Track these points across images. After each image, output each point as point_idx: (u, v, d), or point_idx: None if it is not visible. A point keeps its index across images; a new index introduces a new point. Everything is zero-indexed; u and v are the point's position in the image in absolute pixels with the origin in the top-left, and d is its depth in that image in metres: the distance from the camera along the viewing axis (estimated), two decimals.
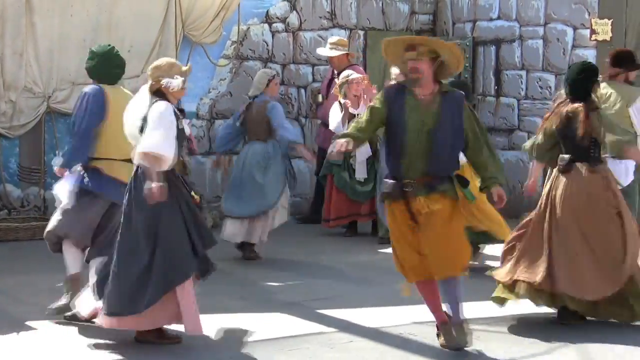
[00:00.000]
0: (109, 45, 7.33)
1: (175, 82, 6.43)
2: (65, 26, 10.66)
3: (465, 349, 6.54)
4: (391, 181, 6.46)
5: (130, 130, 6.47)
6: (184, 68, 6.56)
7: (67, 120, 10.65)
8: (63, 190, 7.10)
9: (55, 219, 7.15)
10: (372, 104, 6.67)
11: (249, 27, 12.16)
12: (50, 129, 10.86)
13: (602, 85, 8.21)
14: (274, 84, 9.70)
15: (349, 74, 10.67)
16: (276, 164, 9.45)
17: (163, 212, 6.27)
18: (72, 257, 7.13)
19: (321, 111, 11.63)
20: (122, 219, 6.38)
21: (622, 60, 8.54)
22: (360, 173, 10.66)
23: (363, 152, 10.49)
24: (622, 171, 7.93)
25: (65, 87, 10.70)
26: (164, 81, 6.40)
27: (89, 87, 7.11)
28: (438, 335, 6.62)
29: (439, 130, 6.38)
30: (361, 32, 12.97)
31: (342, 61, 11.01)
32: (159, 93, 6.44)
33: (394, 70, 8.80)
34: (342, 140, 6.38)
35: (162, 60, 6.61)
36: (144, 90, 6.50)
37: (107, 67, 7.16)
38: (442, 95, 6.45)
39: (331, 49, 11.10)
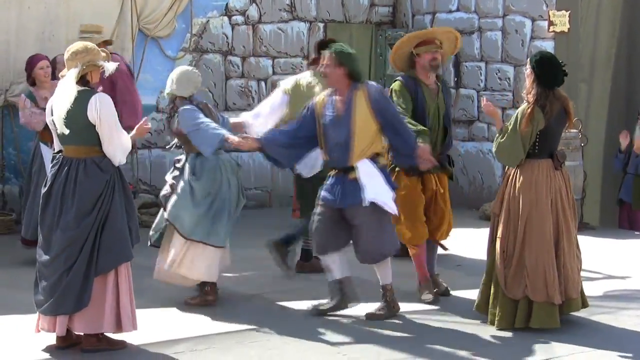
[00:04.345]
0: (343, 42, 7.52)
1: (112, 66, 6.21)
2: (22, 18, 10.56)
3: (424, 339, 6.61)
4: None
5: (59, 122, 6.08)
6: (103, 54, 6.39)
7: None
8: (390, 199, 7.00)
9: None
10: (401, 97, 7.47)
11: (208, 20, 12.13)
12: (8, 123, 10.75)
13: (308, 73, 8.35)
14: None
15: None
16: None
17: (113, 204, 6.13)
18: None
19: None
20: (69, 214, 6.10)
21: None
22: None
23: None
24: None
25: (23, 81, 10.52)
26: (107, 65, 6.15)
27: (372, 85, 7.16)
28: (419, 290, 7.57)
29: (447, 113, 7.65)
30: (321, 25, 12.98)
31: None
32: (84, 80, 6.11)
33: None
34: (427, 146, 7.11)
35: (85, 44, 6.23)
36: (71, 78, 6.07)
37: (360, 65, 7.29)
38: (441, 82, 7.71)
39: (85, 37, 9.93)
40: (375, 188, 6.89)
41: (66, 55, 6.19)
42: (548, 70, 6.81)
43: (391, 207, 6.94)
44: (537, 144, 6.84)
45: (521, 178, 6.85)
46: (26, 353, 6.21)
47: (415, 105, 7.44)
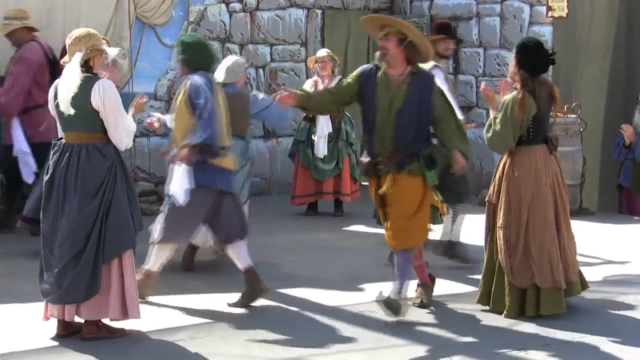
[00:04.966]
0: (197, 34, 7.29)
1: (113, 51, 6.24)
2: (19, 7, 10.51)
3: (423, 326, 6.64)
4: (366, 159, 6.81)
5: (65, 104, 6.08)
6: (103, 41, 6.37)
7: None
8: (181, 190, 6.92)
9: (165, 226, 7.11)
10: (345, 79, 6.99)
11: (206, 8, 12.11)
12: None
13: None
14: (245, 73, 8.86)
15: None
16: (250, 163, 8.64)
17: (116, 190, 6.15)
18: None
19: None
20: (70, 203, 6.12)
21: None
22: (320, 150, 10.58)
23: (322, 127, 10.48)
24: None
25: None
26: (109, 50, 6.18)
27: (199, 77, 6.98)
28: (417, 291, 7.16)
29: (405, 108, 6.62)
30: (319, 12, 12.95)
31: (23, 37, 9.54)
32: (87, 66, 6.11)
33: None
34: (289, 92, 6.70)
35: (88, 30, 6.26)
36: (76, 63, 6.08)
37: (202, 57, 7.12)
38: (413, 75, 6.70)
39: (5, 24, 9.62)
40: (175, 179, 6.95)
41: (68, 41, 6.20)
42: (531, 57, 6.81)
43: (177, 198, 6.91)
44: (531, 130, 6.83)
45: (519, 166, 6.83)
46: (31, 341, 6.23)
47: (363, 95, 6.74)
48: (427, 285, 7.20)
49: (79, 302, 6.12)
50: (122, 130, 6.15)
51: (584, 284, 7.09)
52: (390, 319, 6.66)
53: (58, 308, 6.19)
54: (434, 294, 7.27)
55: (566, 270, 6.83)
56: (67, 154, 6.14)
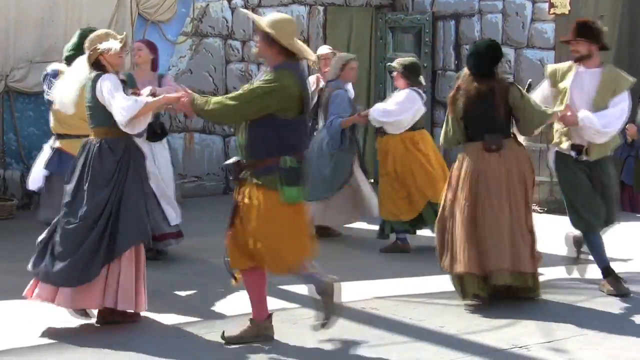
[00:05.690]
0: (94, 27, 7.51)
1: (112, 44, 6.37)
2: (21, 5, 10.55)
3: (425, 323, 6.62)
4: (233, 161, 6.08)
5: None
6: (120, 36, 6.50)
7: (26, 99, 10.69)
8: (36, 175, 7.62)
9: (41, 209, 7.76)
10: None
11: (208, 4, 12.11)
12: (8, 109, 10.74)
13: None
14: (348, 68, 9.12)
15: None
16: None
17: (127, 184, 6.33)
18: None
19: None
20: (77, 196, 6.33)
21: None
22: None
23: None
24: None
25: (23, 66, 10.60)
26: (101, 45, 6.34)
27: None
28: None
29: None
30: (321, 8, 12.95)
31: None
32: (97, 65, 6.40)
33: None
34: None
35: (100, 31, 6.61)
36: (82, 61, 6.48)
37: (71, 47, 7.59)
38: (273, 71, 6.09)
39: None
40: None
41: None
42: (471, 57, 7.15)
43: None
44: (467, 128, 7.10)
45: (456, 162, 7.16)
46: (32, 338, 6.24)
47: None
48: (263, 321, 6.25)
49: (69, 287, 6.23)
50: (115, 106, 6.27)
51: (532, 287, 7.12)
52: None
53: (49, 290, 6.29)
54: (435, 290, 7.27)
55: (487, 259, 6.88)
56: (86, 149, 6.41)
